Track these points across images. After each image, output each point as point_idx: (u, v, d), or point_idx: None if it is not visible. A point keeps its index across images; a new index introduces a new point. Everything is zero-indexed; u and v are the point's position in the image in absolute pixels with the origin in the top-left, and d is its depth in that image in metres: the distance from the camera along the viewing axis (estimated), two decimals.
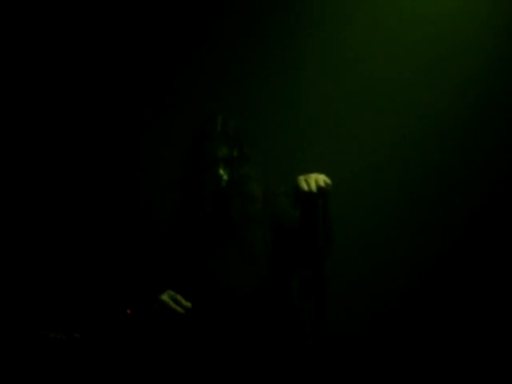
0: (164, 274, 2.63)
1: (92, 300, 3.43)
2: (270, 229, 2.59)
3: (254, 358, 2.48)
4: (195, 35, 3.83)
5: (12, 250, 3.67)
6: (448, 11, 3.66)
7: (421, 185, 3.60)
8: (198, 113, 3.09)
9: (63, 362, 3.00)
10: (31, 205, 3.75)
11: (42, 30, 3.82)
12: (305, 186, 2.27)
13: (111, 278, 3.58)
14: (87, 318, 3.22)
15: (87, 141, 3.79)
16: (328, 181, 2.29)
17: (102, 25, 3.83)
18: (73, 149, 3.79)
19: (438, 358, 3.47)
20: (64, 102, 3.83)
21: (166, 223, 2.73)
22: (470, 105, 3.62)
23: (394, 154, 3.60)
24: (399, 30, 3.68)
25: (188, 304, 2.47)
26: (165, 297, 2.49)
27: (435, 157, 3.62)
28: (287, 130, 3.68)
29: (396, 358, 3.47)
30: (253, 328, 2.49)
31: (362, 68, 3.67)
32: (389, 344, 3.49)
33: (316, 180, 2.28)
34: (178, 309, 2.46)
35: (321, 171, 2.32)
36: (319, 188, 2.26)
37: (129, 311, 3.00)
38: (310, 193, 2.26)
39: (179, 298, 2.48)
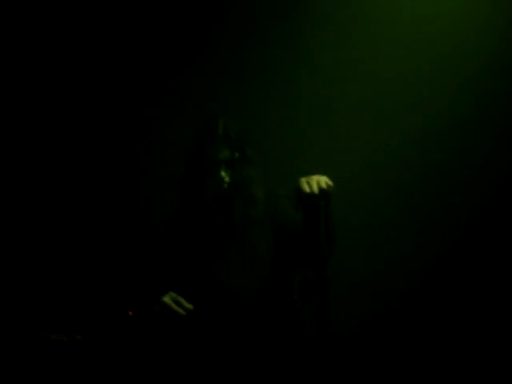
0: (166, 276, 2.63)
1: (94, 302, 3.43)
2: (271, 231, 2.59)
3: (256, 359, 2.49)
4: (196, 37, 3.82)
5: (13, 251, 3.66)
6: (448, 11, 3.66)
7: (422, 186, 3.60)
8: (199, 115, 3.09)
9: (65, 364, 3.00)
10: (33, 205, 3.74)
11: (45, 32, 3.81)
12: (306, 188, 2.27)
13: (113, 280, 3.58)
14: (89, 320, 3.22)
15: (88, 143, 3.79)
16: (330, 182, 2.30)
17: (103, 27, 3.82)
18: (74, 151, 3.79)
19: (439, 358, 3.47)
20: (65, 104, 3.83)
21: (167, 225, 2.73)
22: (470, 105, 3.62)
23: (396, 155, 3.60)
24: (400, 31, 3.68)
25: (190, 306, 2.47)
26: (166, 299, 2.49)
27: (437, 158, 3.62)
28: (289, 132, 3.68)
29: (398, 358, 3.47)
30: (255, 330, 2.50)
31: (362, 69, 3.67)
32: (390, 345, 3.49)
33: (318, 182, 2.28)
34: (180, 311, 2.46)
35: (322, 173, 2.32)
36: (321, 190, 2.26)
37: (130, 313, 3.00)
38: (311, 194, 2.26)
39: (181, 299, 2.48)
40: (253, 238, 2.58)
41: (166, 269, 2.64)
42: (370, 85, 3.65)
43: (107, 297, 3.47)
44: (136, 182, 3.74)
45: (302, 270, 2.55)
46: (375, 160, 3.60)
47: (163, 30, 3.82)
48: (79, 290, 3.57)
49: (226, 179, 2.59)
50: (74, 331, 3.09)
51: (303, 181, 2.30)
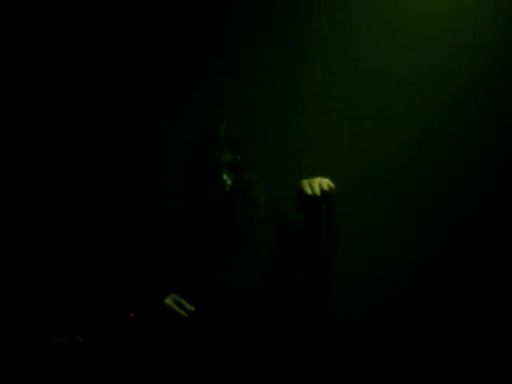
0: (168, 277, 2.64)
1: (95, 303, 3.43)
2: (273, 233, 2.60)
3: (258, 361, 2.49)
4: (197, 41, 3.82)
5: (15, 253, 3.66)
6: (449, 11, 3.66)
7: (424, 188, 3.59)
8: (201, 118, 3.08)
9: (66, 366, 3.00)
10: (35, 207, 3.74)
11: (49, 34, 3.82)
12: (308, 190, 2.27)
13: (115, 282, 3.58)
14: (90, 322, 3.22)
15: (91, 146, 3.79)
16: (332, 184, 2.29)
17: (106, 31, 3.82)
18: (77, 154, 3.79)
19: (440, 360, 3.47)
20: (68, 108, 3.83)
21: (170, 228, 2.73)
22: (470, 105, 3.62)
23: (397, 157, 3.60)
24: (400, 31, 3.67)
25: (192, 308, 2.47)
26: (168, 300, 2.49)
27: (438, 159, 3.62)
28: (290, 134, 3.68)
29: (399, 360, 3.47)
30: (256, 331, 2.50)
31: (365, 74, 3.66)
32: (392, 347, 3.49)
33: (320, 183, 2.28)
34: (182, 312, 2.46)
35: (324, 175, 2.32)
36: (323, 192, 2.26)
37: (132, 315, 3.01)
38: (313, 196, 2.26)
39: (183, 301, 2.48)
40: (254, 240, 2.58)
41: (168, 271, 2.65)
42: (372, 90, 3.65)
43: (109, 299, 3.46)
44: (139, 185, 3.74)
45: (304, 271, 2.55)
46: (377, 162, 3.60)
47: (164, 34, 3.82)
48: (81, 291, 3.57)
49: (228, 182, 2.60)
50: (76, 333, 3.09)
51: (305, 183, 2.29)
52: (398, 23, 3.69)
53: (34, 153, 3.80)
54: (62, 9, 3.82)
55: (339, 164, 3.34)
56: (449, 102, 3.65)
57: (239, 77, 3.76)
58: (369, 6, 3.72)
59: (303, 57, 3.74)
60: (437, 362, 3.48)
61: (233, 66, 3.79)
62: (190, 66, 3.81)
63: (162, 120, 3.77)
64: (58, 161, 3.80)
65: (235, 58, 3.80)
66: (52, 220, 3.74)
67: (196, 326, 2.50)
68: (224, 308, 2.50)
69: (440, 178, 3.61)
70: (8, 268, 3.61)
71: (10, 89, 3.81)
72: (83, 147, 3.80)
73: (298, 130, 3.68)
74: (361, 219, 3.55)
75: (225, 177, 2.59)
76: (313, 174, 2.32)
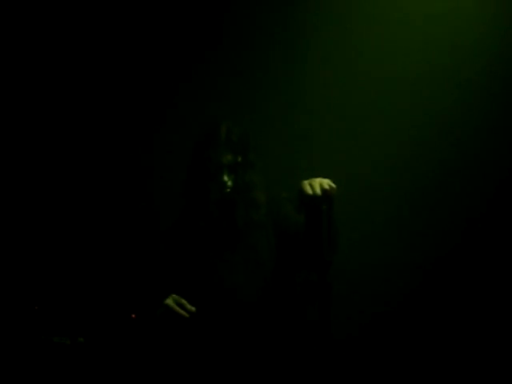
0: (169, 278, 2.64)
1: (96, 304, 3.43)
2: (274, 234, 2.60)
3: (259, 361, 2.49)
4: (197, 43, 3.82)
5: (16, 254, 3.67)
6: (449, 11, 3.66)
7: (425, 189, 3.59)
8: (202, 120, 3.08)
9: (68, 366, 3.00)
10: (36, 208, 3.75)
11: (51, 35, 3.83)
12: (309, 190, 2.26)
13: (116, 283, 3.58)
14: (92, 323, 3.22)
15: (92, 146, 3.80)
16: (332, 185, 2.30)
17: (107, 31, 3.83)
18: (78, 156, 3.80)
19: (440, 362, 3.47)
20: (69, 108, 3.84)
21: (170, 229, 2.74)
22: (471, 105, 3.61)
23: (398, 159, 3.59)
24: (400, 31, 3.66)
25: (192, 308, 2.47)
26: (169, 301, 2.49)
27: (438, 159, 3.61)
28: (291, 135, 3.67)
29: (400, 362, 3.47)
30: (257, 332, 2.50)
31: (365, 75, 3.65)
32: (393, 348, 3.49)
33: (320, 184, 2.28)
34: (183, 313, 2.46)
35: (325, 176, 2.31)
36: (324, 191, 2.25)
37: (133, 316, 3.01)
38: (314, 196, 2.25)
39: (184, 302, 2.48)
40: (255, 241, 2.59)
41: (169, 272, 2.65)
42: (371, 88, 3.64)
43: (110, 299, 3.47)
44: (140, 187, 3.74)
45: (304, 272, 2.56)
46: (377, 164, 3.59)
47: (164, 35, 3.82)
48: (82, 292, 3.57)
49: (229, 183, 2.60)
50: (77, 334, 3.09)
51: (306, 183, 2.29)
52: (398, 23, 3.68)
53: (34, 153, 3.80)
54: (63, 9, 3.82)
55: (339, 165, 3.34)
56: (449, 102, 3.64)
57: (239, 78, 3.76)
58: (369, 6, 3.72)
59: (303, 58, 3.73)
60: (437, 362, 3.48)
61: (233, 67, 3.79)
62: (190, 67, 3.81)
63: (162, 122, 3.77)
64: (59, 163, 3.80)
65: (235, 60, 3.80)
66: (53, 221, 3.74)
67: (197, 327, 2.50)
68: (225, 309, 2.51)
69: (440, 178, 3.61)
70: (9, 269, 3.62)
71: (10, 89, 3.82)
72: (84, 149, 3.81)
73: (298, 131, 3.68)
74: (361, 220, 3.54)
75: (225, 178, 2.60)
76: (313, 175, 2.32)
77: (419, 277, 3.53)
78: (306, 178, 2.31)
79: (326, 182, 2.28)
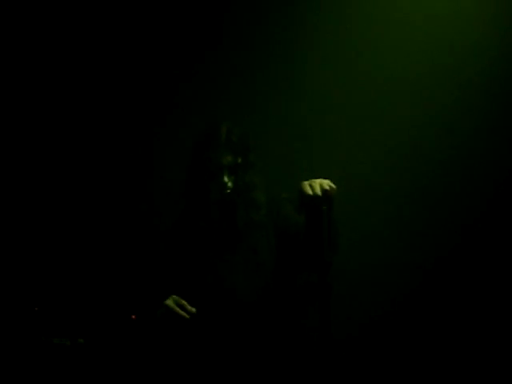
0: (169, 279, 2.64)
1: (97, 305, 3.43)
2: (274, 234, 2.61)
3: (259, 362, 2.49)
4: (197, 44, 3.82)
5: (15, 254, 3.67)
6: (449, 12, 3.66)
7: (426, 190, 3.59)
8: (202, 121, 3.08)
9: (68, 368, 3.00)
10: (36, 209, 3.75)
11: (51, 35, 3.83)
12: (309, 190, 2.26)
13: (116, 284, 3.58)
14: (92, 324, 3.22)
15: (92, 147, 3.80)
16: (333, 186, 2.30)
17: (106, 32, 3.83)
18: (78, 156, 3.80)
19: (440, 363, 3.47)
20: (69, 109, 3.84)
21: (171, 230, 2.74)
22: (471, 106, 3.61)
23: (398, 159, 3.59)
24: (400, 32, 3.67)
25: (193, 309, 2.47)
26: (169, 302, 2.49)
27: (439, 161, 3.61)
28: (291, 136, 3.67)
29: (400, 362, 3.47)
30: (257, 333, 2.50)
31: (365, 74, 3.66)
32: (393, 349, 3.48)
33: (321, 184, 2.28)
34: (183, 314, 2.46)
35: (325, 177, 2.31)
36: (324, 191, 2.25)
37: (133, 317, 3.01)
38: (314, 196, 2.25)
39: (184, 303, 2.48)
40: (255, 242, 2.59)
41: (169, 272, 2.65)
42: (371, 89, 3.64)
43: (110, 301, 3.47)
44: (140, 187, 3.75)
45: (305, 273, 2.56)
46: (377, 164, 3.59)
47: (164, 36, 3.82)
48: (82, 293, 3.57)
49: (229, 184, 2.60)
50: (77, 335, 3.09)
51: (306, 183, 2.29)
52: (398, 23, 3.69)
53: (35, 154, 3.80)
54: (63, 9, 3.82)
55: (339, 165, 3.35)
56: (449, 102, 3.64)
57: (239, 79, 3.76)
58: (369, 6, 3.72)
59: (303, 58, 3.74)
60: (436, 362, 3.48)
61: (233, 67, 3.79)
62: (190, 68, 3.81)
63: (163, 123, 3.78)
64: (59, 164, 3.80)
65: (235, 60, 3.80)
66: (53, 222, 3.74)
67: (197, 328, 2.50)
68: (225, 309, 2.51)
69: (440, 179, 3.61)
70: (9, 270, 3.62)
71: (10, 89, 3.82)
72: (84, 150, 3.81)
73: (298, 132, 3.68)
74: (361, 220, 3.54)
75: (226, 179, 2.60)
76: (313, 176, 2.32)
77: (419, 277, 3.53)
78: (306, 179, 2.31)
79: (326, 183, 2.28)
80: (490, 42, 3.63)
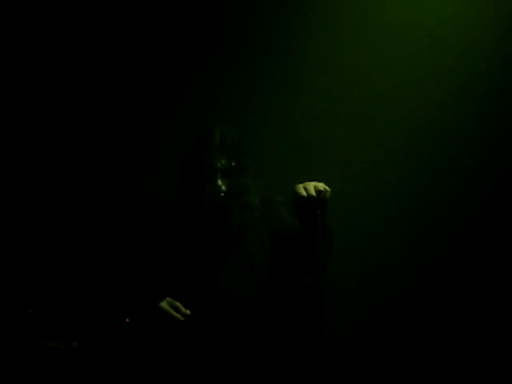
0: (163, 282, 2.64)
1: (90, 308, 3.42)
2: (268, 237, 2.60)
3: (253, 365, 2.49)
4: (192, 47, 3.82)
5: (9, 258, 3.66)
6: (450, 13, 3.67)
7: (426, 190, 3.59)
8: (196, 124, 3.08)
9: (61, 371, 2.99)
10: (31, 209, 3.74)
11: (51, 35, 3.83)
12: (303, 192, 2.27)
13: (110, 287, 3.57)
14: (86, 327, 3.21)
15: (88, 148, 3.80)
16: (327, 188, 2.30)
17: (106, 32, 3.83)
18: (74, 157, 3.80)
19: (439, 364, 3.47)
20: (67, 109, 3.84)
21: (164, 233, 2.73)
22: (470, 106, 3.62)
23: (399, 159, 3.60)
24: (400, 32, 3.68)
25: (187, 311, 2.47)
26: (164, 304, 2.49)
27: (438, 162, 3.62)
28: (285, 139, 3.67)
29: (395, 364, 3.47)
30: (252, 336, 2.50)
31: (365, 75, 3.66)
32: (387, 351, 3.49)
33: (315, 186, 2.28)
34: (178, 316, 2.46)
35: (319, 180, 2.32)
36: (318, 193, 2.26)
37: (128, 320, 3.00)
38: (308, 198, 2.26)
39: (178, 305, 2.47)
40: (249, 244, 2.58)
41: (164, 275, 2.65)
42: (370, 94, 3.65)
43: (104, 303, 3.46)
44: (134, 190, 3.74)
45: (299, 275, 2.56)
46: (372, 168, 3.60)
47: (162, 37, 3.83)
48: (76, 296, 3.56)
49: (223, 188, 2.60)
50: (71, 338, 3.08)
51: (300, 186, 2.30)
52: (399, 25, 3.69)
53: (34, 154, 3.80)
54: (63, 9, 3.82)
55: (334, 169, 3.35)
56: (449, 102, 3.65)
57: (235, 83, 3.76)
58: (368, 8, 3.73)
59: (299, 62, 3.74)
60: (435, 363, 3.48)
61: (228, 72, 3.79)
62: (186, 70, 3.81)
63: (157, 126, 3.77)
64: (56, 164, 3.80)
65: (230, 63, 3.80)
66: (48, 225, 3.73)
67: (191, 330, 2.50)
68: (219, 312, 2.50)
69: (440, 179, 3.61)
70: (2, 273, 3.61)
71: (9, 89, 3.82)
72: (81, 150, 3.80)
73: (292, 135, 3.68)
74: (361, 220, 3.55)
75: (219, 182, 2.60)
76: (307, 179, 2.33)
77: (416, 280, 3.53)
78: (301, 182, 2.32)
79: (321, 185, 2.29)
80: (489, 44, 3.64)
